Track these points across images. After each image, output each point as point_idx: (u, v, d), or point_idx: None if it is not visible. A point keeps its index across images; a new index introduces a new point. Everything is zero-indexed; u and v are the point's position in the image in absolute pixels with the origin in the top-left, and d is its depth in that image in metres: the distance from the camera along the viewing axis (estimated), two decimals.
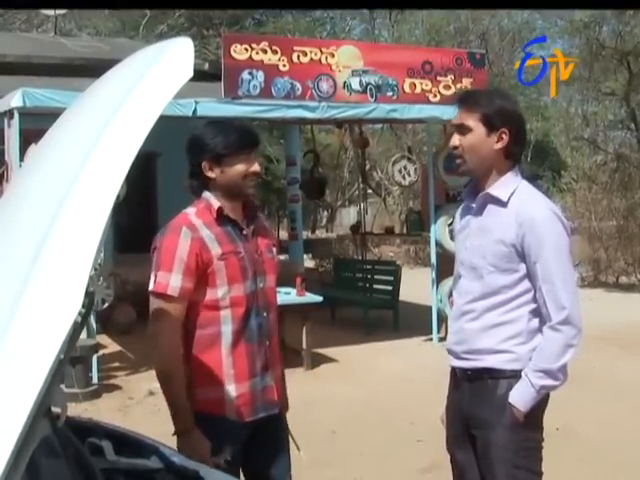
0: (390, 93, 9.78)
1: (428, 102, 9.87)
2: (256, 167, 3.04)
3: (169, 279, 2.89)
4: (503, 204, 3.00)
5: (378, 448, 6.22)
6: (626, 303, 13.73)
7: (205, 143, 3.01)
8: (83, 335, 8.31)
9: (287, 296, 8.68)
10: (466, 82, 10.03)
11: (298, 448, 3.39)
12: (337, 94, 9.52)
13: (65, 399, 1.54)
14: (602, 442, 6.23)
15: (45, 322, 1.06)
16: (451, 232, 10.16)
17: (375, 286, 12.51)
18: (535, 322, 2.99)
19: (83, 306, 1.11)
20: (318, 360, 9.32)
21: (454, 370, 3.22)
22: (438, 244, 10.30)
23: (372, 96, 9.67)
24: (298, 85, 9.27)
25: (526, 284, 2.98)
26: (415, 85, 9.89)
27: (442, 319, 10.36)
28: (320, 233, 29.29)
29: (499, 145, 2.99)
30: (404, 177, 10.70)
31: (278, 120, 9.74)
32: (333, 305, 12.30)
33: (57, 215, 1.15)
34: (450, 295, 10.08)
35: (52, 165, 1.42)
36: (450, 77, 10.04)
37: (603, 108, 21.94)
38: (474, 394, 3.08)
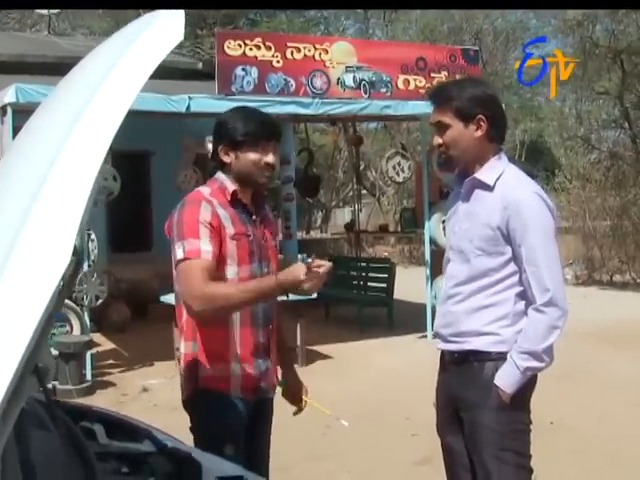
0: (384, 89, 9.79)
1: (422, 98, 9.86)
2: (270, 158, 3.04)
3: (199, 244, 2.88)
4: (489, 188, 3.03)
5: (373, 442, 6.22)
6: (620, 301, 13.74)
7: (225, 127, 3.06)
8: (77, 331, 8.30)
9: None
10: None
11: (337, 418, 3.45)
12: (331, 90, 9.52)
13: (52, 358, 1.53)
14: (596, 436, 6.23)
15: (34, 275, 1.06)
16: (445, 229, 10.17)
17: (370, 284, 12.48)
18: (521, 305, 3.00)
19: (71, 263, 1.11)
20: (312, 357, 9.31)
21: (443, 353, 3.24)
22: (432, 241, 10.31)
23: (366, 92, 9.68)
24: (292, 81, 9.27)
25: (512, 267, 3.00)
26: (409, 81, 9.90)
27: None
28: (315, 234, 29.28)
29: (479, 133, 3.02)
30: (398, 173, 10.71)
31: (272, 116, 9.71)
32: (327, 303, 12.31)
33: (47, 174, 1.15)
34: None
35: (43, 129, 1.42)
36: (444, 73, 10.04)
37: (597, 107, 21.97)
38: (461, 376, 3.11)
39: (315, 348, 9.58)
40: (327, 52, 9.48)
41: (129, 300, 11.71)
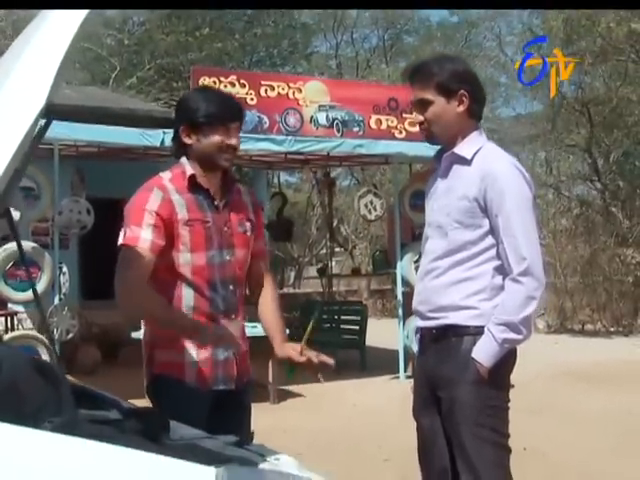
0: (356, 129, 9.90)
1: (394, 138, 9.99)
2: (233, 141, 2.99)
3: (139, 232, 2.85)
4: (467, 162, 3.03)
5: (345, 467, 6.13)
6: (591, 346, 13.78)
7: (187, 108, 3.00)
8: None
9: (254, 329, 8.59)
10: None
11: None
12: (304, 128, 9.61)
13: (23, 204, 1.53)
14: (568, 460, 6.23)
15: (11, 114, 1.08)
16: (417, 269, 10.19)
17: (342, 326, 12.44)
18: (499, 279, 2.98)
19: (39, 121, 1.13)
20: (284, 395, 9.24)
21: (422, 334, 3.21)
22: (405, 281, 10.31)
23: (338, 131, 9.79)
24: (265, 119, 9.36)
25: (490, 240, 2.99)
26: (381, 121, 10.02)
27: (409, 357, 10.33)
28: (287, 290, 29.28)
29: (461, 108, 3.03)
30: (370, 212, 10.75)
31: (245, 157, 9.79)
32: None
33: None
34: (417, 332, 10.10)
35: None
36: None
37: (566, 161, 22.26)
38: (439, 353, 3.07)
39: (287, 387, 9.51)
40: (301, 91, 9.60)
41: (100, 343, 11.59)
